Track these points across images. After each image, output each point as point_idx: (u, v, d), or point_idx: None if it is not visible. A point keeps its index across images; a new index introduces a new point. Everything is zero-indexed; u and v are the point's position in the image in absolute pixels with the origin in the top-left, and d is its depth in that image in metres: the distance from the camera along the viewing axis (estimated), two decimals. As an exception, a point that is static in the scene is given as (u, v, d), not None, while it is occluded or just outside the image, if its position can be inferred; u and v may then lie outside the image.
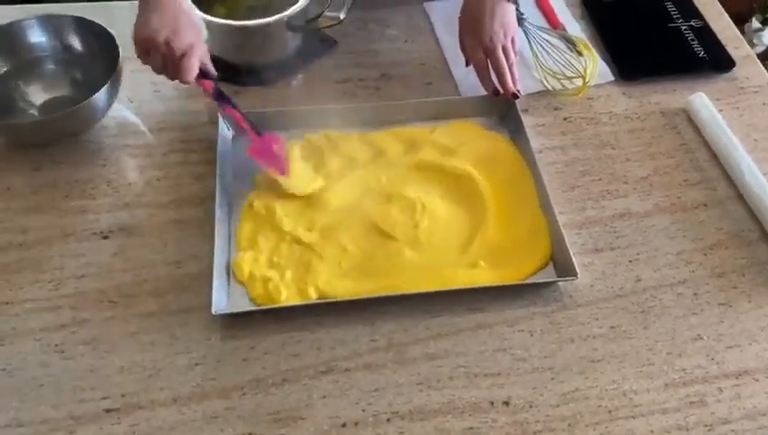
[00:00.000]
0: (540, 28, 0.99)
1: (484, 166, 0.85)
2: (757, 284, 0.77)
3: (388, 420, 0.66)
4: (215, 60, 0.82)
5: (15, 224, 0.79)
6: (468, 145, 0.87)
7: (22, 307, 0.73)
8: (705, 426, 0.67)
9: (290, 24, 0.91)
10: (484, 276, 0.75)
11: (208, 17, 0.87)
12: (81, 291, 0.74)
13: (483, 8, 0.88)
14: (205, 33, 0.80)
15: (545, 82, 0.95)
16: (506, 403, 0.68)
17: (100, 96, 0.82)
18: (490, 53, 0.89)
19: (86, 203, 0.81)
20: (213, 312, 0.69)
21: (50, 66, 0.91)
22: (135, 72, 0.92)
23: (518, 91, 0.88)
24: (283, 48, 0.95)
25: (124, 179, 0.84)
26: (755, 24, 1.78)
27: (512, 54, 0.89)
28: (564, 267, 0.76)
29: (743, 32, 1.33)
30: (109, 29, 0.87)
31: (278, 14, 0.90)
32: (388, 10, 1.07)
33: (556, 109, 0.94)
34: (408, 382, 0.69)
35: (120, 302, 0.73)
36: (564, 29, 1.03)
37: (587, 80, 0.94)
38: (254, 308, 0.73)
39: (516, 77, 0.89)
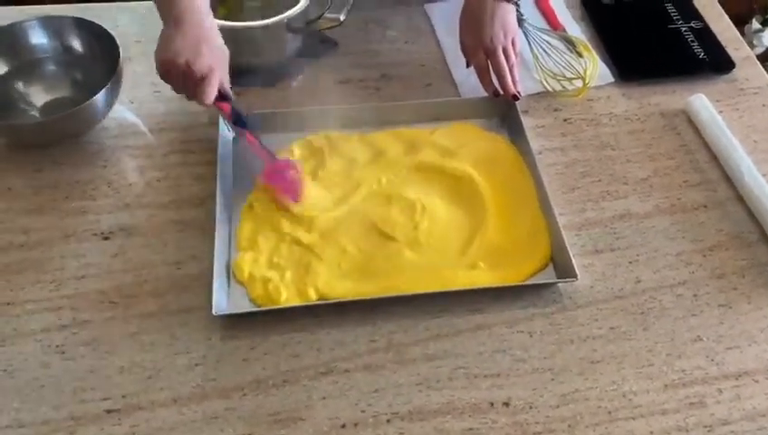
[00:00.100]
0: (540, 29, 0.99)
1: (484, 167, 0.85)
2: (757, 285, 0.77)
3: (387, 420, 0.66)
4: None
5: (16, 225, 0.79)
6: (468, 146, 0.87)
7: (23, 308, 0.73)
8: (705, 427, 0.67)
9: (290, 26, 0.91)
10: (483, 277, 0.75)
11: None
12: (81, 291, 0.74)
13: (483, 9, 0.88)
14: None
15: (545, 84, 0.96)
16: (506, 404, 0.68)
17: (101, 97, 0.82)
18: (490, 54, 0.89)
19: (87, 204, 0.82)
20: (213, 312, 0.69)
21: (51, 67, 0.91)
22: (135, 74, 0.93)
23: (518, 92, 0.89)
24: (283, 49, 0.96)
25: (125, 180, 0.84)
26: (755, 25, 1.78)
27: (512, 56, 0.89)
28: (564, 268, 0.76)
29: (742, 33, 1.33)
30: (109, 30, 0.87)
31: (278, 15, 0.90)
32: (388, 11, 1.07)
33: (556, 110, 0.95)
34: (408, 383, 0.69)
35: (121, 302, 0.73)
36: (564, 30, 1.03)
37: (587, 81, 0.94)
38: (254, 309, 0.73)
39: (516, 78, 0.89)
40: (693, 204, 0.85)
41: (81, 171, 0.85)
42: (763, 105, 0.96)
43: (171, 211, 0.81)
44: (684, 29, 1.04)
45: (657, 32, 1.04)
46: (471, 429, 0.66)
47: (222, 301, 0.72)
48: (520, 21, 0.95)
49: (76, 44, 0.91)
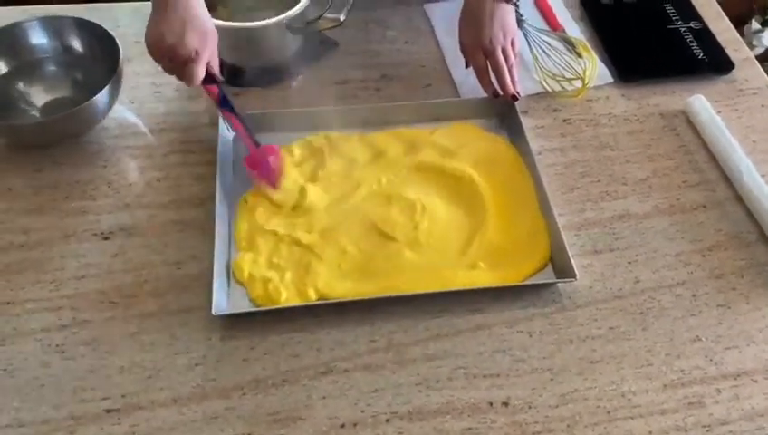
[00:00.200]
0: (539, 30, 0.99)
1: (484, 167, 0.85)
2: (756, 285, 0.78)
3: (387, 420, 0.67)
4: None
5: (17, 225, 0.79)
6: (468, 146, 0.87)
7: (23, 308, 0.73)
8: (704, 427, 0.67)
9: (290, 26, 0.91)
10: (483, 277, 0.76)
11: (209, 19, 0.88)
12: (81, 291, 0.74)
13: (482, 10, 0.88)
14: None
15: (545, 84, 0.96)
16: (505, 404, 0.68)
17: (101, 97, 0.82)
18: (490, 54, 0.89)
19: (87, 204, 0.82)
20: (213, 312, 0.69)
21: (51, 67, 0.91)
22: (136, 74, 0.93)
23: (518, 92, 0.89)
24: (283, 50, 0.96)
25: (125, 180, 0.84)
26: (755, 25, 1.78)
27: (511, 56, 0.90)
28: (563, 269, 0.76)
29: (742, 34, 1.33)
30: (110, 30, 0.87)
31: (278, 16, 0.90)
32: (388, 11, 1.07)
33: (555, 110, 0.95)
34: (408, 383, 0.69)
35: (121, 302, 0.73)
36: (564, 31, 1.04)
37: (586, 81, 0.94)
38: (253, 309, 0.73)
39: (516, 79, 0.89)
40: (692, 204, 0.85)
41: (81, 171, 0.85)
42: (763, 106, 0.97)
43: (171, 211, 0.81)
44: (683, 29, 1.04)
45: (656, 32, 1.04)
46: (470, 428, 0.66)
47: (222, 301, 0.72)
48: (519, 21, 0.95)
49: (76, 44, 0.91)
